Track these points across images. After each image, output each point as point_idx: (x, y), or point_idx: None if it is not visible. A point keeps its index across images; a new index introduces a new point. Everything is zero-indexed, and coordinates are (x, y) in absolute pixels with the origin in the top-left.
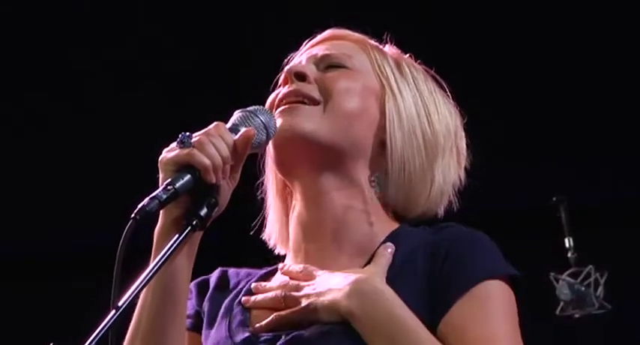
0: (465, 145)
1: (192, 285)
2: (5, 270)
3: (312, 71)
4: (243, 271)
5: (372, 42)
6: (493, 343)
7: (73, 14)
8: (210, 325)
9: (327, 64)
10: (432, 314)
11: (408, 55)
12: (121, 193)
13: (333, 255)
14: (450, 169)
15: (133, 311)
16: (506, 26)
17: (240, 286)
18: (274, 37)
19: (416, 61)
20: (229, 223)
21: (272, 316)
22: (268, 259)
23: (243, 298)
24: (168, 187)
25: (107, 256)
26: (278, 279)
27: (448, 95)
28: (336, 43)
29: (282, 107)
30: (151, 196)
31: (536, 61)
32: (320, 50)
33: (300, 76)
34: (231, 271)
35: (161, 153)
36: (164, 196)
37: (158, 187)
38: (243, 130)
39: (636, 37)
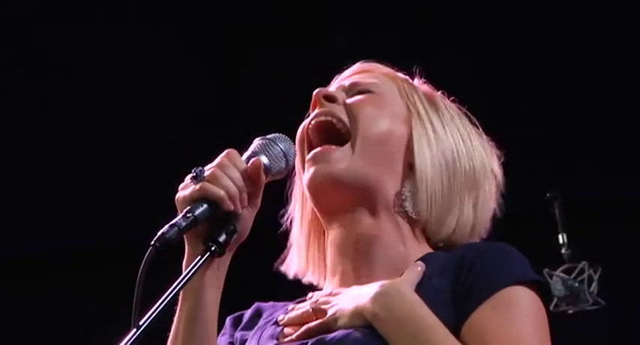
0: (499, 185)
1: (227, 319)
2: (5, 270)
3: (341, 96)
4: (281, 303)
5: (402, 75)
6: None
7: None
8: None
9: (355, 91)
10: (456, 321)
11: (439, 91)
12: (121, 194)
13: (367, 276)
14: (483, 207)
15: (154, 331)
16: (505, 22)
17: (275, 313)
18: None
19: (448, 98)
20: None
21: (302, 328)
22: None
23: (279, 317)
24: (188, 215)
25: (107, 254)
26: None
27: (481, 132)
28: (365, 75)
29: (312, 154)
30: (170, 223)
31: (533, 58)
32: (349, 81)
33: (329, 98)
34: (268, 304)
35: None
36: (183, 224)
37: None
38: (262, 158)
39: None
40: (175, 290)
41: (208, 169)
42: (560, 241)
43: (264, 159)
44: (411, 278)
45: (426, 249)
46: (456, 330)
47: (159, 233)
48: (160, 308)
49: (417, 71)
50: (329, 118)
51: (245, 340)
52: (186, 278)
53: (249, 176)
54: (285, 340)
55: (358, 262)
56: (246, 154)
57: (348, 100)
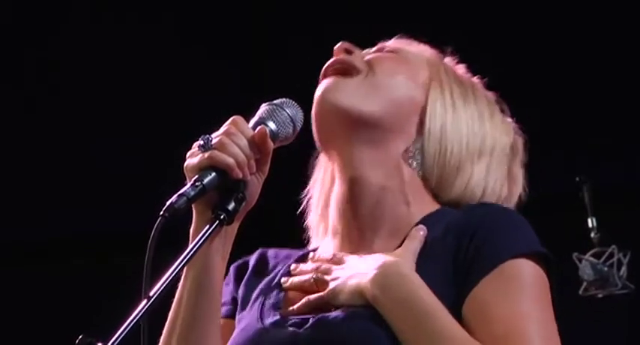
0: (521, 181)
1: (231, 268)
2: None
3: (361, 53)
4: (284, 252)
5: (434, 51)
6: (520, 322)
7: None
8: (244, 307)
9: (379, 49)
10: (457, 296)
11: (476, 76)
12: (123, 178)
13: (369, 236)
14: (496, 183)
15: (163, 302)
16: (532, 20)
17: (277, 269)
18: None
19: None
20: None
21: (302, 299)
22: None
23: (283, 279)
24: (196, 184)
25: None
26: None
27: (506, 115)
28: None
29: (322, 84)
30: (179, 193)
31: (560, 47)
32: (375, 47)
33: (349, 52)
34: (271, 251)
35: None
36: (192, 193)
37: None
38: (269, 124)
39: None
40: (185, 260)
41: (215, 137)
42: (590, 225)
43: (271, 125)
44: (412, 248)
45: (433, 206)
46: (456, 304)
47: (167, 203)
48: (170, 278)
49: (451, 53)
50: (345, 66)
51: (247, 301)
52: (196, 247)
53: (256, 143)
54: (288, 310)
55: (359, 224)
56: (253, 121)
57: (370, 55)
